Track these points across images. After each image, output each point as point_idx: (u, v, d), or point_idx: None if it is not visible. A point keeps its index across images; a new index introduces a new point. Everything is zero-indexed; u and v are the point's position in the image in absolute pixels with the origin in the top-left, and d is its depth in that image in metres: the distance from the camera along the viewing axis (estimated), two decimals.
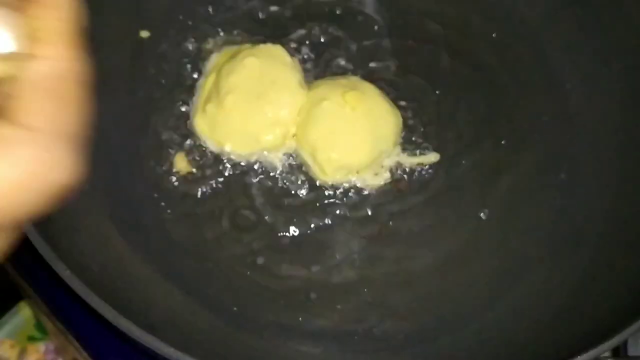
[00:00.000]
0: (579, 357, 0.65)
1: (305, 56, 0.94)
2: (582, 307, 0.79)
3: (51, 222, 0.69)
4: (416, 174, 0.88)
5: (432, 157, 0.89)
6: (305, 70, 0.92)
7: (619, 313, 0.72)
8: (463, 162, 0.90)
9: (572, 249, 0.84)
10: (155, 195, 0.87)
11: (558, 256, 0.85)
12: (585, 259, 0.83)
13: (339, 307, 0.83)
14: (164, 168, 0.88)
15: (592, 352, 0.65)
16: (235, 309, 0.82)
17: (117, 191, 0.86)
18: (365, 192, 0.87)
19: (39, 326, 1.05)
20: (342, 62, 0.94)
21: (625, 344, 0.81)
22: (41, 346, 1.05)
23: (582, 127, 0.91)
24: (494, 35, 0.97)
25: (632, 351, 0.81)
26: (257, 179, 0.88)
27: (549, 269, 0.84)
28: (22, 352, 1.04)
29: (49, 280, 0.89)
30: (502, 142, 0.91)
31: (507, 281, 0.84)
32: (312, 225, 0.86)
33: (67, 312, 0.90)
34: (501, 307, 0.82)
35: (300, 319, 0.82)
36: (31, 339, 1.05)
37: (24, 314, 1.06)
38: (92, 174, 0.81)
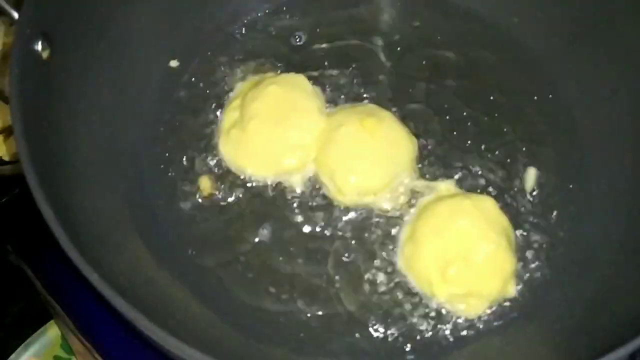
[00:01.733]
0: None
1: (327, 85, 0.96)
2: None
3: (82, 236, 0.71)
4: None
5: (446, 184, 0.90)
6: (325, 98, 0.94)
7: None
8: (478, 190, 0.90)
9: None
10: (181, 214, 0.89)
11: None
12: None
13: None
14: (190, 188, 0.90)
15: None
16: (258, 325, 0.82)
17: (145, 210, 0.88)
18: None
19: (65, 346, 1.06)
20: (361, 91, 0.96)
21: None
22: None
23: (592, 154, 0.92)
24: (505, 68, 0.99)
25: None
26: (278, 200, 0.89)
27: None
28: None
29: (78, 299, 0.91)
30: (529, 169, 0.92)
31: None
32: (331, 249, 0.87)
33: (94, 328, 0.91)
34: None
35: (324, 337, 0.82)
36: (57, 358, 1.06)
37: (51, 333, 1.06)
38: (122, 195, 0.85)
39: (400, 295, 0.84)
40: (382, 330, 0.82)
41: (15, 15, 0.75)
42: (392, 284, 0.84)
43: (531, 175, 0.91)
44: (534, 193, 0.90)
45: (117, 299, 0.62)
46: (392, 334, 0.82)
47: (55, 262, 0.82)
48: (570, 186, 0.90)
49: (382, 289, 0.84)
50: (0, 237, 1.01)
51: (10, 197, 1.02)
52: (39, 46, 0.75)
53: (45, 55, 0.76)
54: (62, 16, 0.79)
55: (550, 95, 0.96)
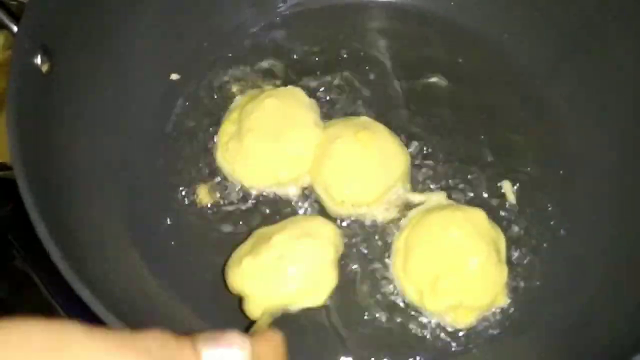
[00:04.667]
0: None
1: (323, 98, 0.95)
2: None
3: (77, 248, 0.69)
4: None
5: (439, 195, 0.88)
6: (321, 111, 0.92)
7: None
8: (468, 202, 0.88)
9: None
10: (179, 224, 0.87)
11: None
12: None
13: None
14: (187, 199, 0.88)
15: None
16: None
17: (142, 221, 0.86)
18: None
19: None
20: (357, 104, 0.94)
21: None
22: None
23: (581, 168, 0.90)
24: (494, 84, 0.96)
25: None
26: (273, 211, 0.87)
27: None
28: None
29: (82, 305, 0.89)
30: (504, 182, 0.89)
31: None
32: None
33: None
34: None
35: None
36: None
37: None
38: (119, 208, 0.83)
39: (391, 305, 0.82)
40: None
41: (15, 28, 0.73)
42: (383, 294, 0.82)
43: (511, 189, 0.89)
44: (522, 206, 0.88)
45: (110, 317, 0.60)
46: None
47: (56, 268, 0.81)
48: (556, 199, 0.88)
49: (374, 298, 0.82)
50: (6, 242, 0.99)
51: (17, 202, 1.00)
52: (38, 60, 0.73)
53: (44, 69, 0.74)
54: (62, 29, 0.77)
55: (538, 110, 0.94)
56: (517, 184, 0.89)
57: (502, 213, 0.87)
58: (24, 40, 0.72)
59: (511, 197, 0.88)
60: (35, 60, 0.73)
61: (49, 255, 0.64)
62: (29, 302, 1.06)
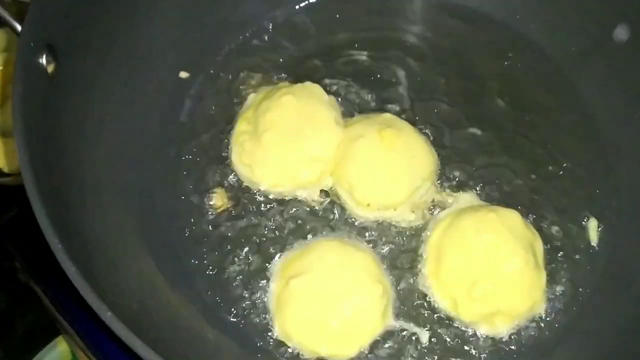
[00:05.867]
0: None
1: (341, 95, 0.89)
2: None
3: (92, 262, 0.63)
4: None
5: (467, 195, 0.82)
6: (342, 108, 0.87)
7: None
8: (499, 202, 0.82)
9: None
10: (194, 231, 0.81)
11: None
12: None
13: None
14: (203, 204, 0.83)
15: None
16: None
17: (157, 230, 0.80)
18: None
19: None
20: (377, 101, 0.89)
21: None
22: None
23: (616, 164, 0.85)
24: (528, 77, 0.91)
25: None
26: (293, 214, 0.81)
27: None
28: None
29: (86, 318, 0.83)
30: (533, 176, 0.85)
31: None
32: None
33: (102, 347, 0.83)
34: None
35: None
36: None
37: (61, 348, 1.00)
38: (132, 215, 0.77)
39: (423, 313, 0.76)
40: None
41: (19, 27, 0.67)
42: (413, 302, 0.77)
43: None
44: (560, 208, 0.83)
45: (131, 338, 0.55)
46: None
47: (63, 280, 0.75)
48: (599, 194, 0.83)
49: (404, 307, 0.77)
50: (8, 255, 0.93)
51: (17, 213, 0.94)
52: (43, 60, 0.68)
53: (50, 70, 0.68)
54: (67, 28, 0.72)
55: (572, 104, 0.89)
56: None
57: (538, 214, 0.82)
58: (29, 40, 0.66)
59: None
60: (40, 60, 0.67)
61: (55, 267, 0.59)
62: (30, 314, 1.02)
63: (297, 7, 0.96)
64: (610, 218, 0.82)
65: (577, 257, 0.80)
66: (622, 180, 0.84)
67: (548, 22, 0.92)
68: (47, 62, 0.68)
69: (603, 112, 0.87)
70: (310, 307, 0.73)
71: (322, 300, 0.73)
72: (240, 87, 0.90)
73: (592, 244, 0.80)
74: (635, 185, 0.82)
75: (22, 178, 0.61)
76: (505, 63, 0.92)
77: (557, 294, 0.77)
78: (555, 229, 0.81)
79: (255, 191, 0.83)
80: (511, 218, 0.77)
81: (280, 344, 0.74)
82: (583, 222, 0.82)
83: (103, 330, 0.60)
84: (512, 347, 0.75)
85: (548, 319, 0.76)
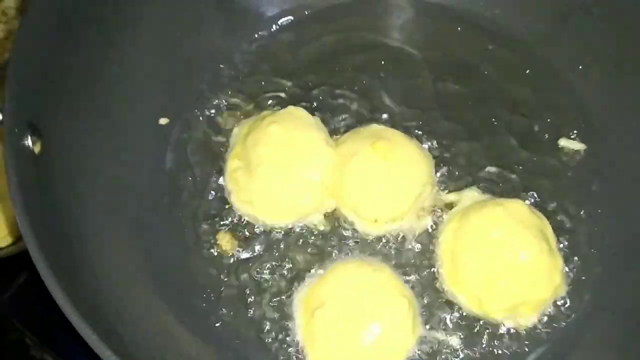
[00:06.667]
0: None
1: (327, 111, 0.88)
2: None
3: (109, 323, 0.63)
4: None
5: (470, 191, 0.82)
6: (329, 126, 0.86)
7: None
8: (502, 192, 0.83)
9: None
10: (202, 278, 0.80)
11: None
12: None
13: None
14: (209, 250, 0.81)
15: None
16: None
17: (165, 277, 0.78)
18: None
19: None
20: (362, 113, 0.88)
21: None
22: None
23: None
24: (526, 75, 0.92)
25: None
26: (301, 244, 0.80)
27: None
28: None
29: None
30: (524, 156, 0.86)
31: None
32: None
33: None
34: None
35: None
36: None
37: None
38: (136, 264, 0.75)
39: (451, 317, 0.76)
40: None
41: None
42: (439, 308, 0.77)
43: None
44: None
45: None
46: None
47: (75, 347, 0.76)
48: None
49: (431, 315, 0.77)
50: (13, 328, 0.91)
51: (18, 288, 0.92)
52: (29, 141, 0.66)
53: (37, 149, 0.67)
54: (45, 103, 0.70)
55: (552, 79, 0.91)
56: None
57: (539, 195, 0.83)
58: (12, 126, 0.64)
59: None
60: (26, 143, 0.66)
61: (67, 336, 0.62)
62: None
63: (259, 34, 0.95)
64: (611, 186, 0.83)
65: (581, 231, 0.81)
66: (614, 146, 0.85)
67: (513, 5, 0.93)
68: (33, 142, 0.66)
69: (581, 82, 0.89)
70: (341, 335, 0.72)
71: (352, 325, 0.72)
72: (221, 121, 0.88)
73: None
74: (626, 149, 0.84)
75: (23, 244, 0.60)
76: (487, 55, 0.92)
77: (574, 272, 0.78)
78: (552, 205, 0.82)
79: (260, 226, 0.81)
80: (517, 209, 0.77)
81: None
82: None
83: None
84: (545, 334, 0.75)
85: (571, 301, 0.77)
